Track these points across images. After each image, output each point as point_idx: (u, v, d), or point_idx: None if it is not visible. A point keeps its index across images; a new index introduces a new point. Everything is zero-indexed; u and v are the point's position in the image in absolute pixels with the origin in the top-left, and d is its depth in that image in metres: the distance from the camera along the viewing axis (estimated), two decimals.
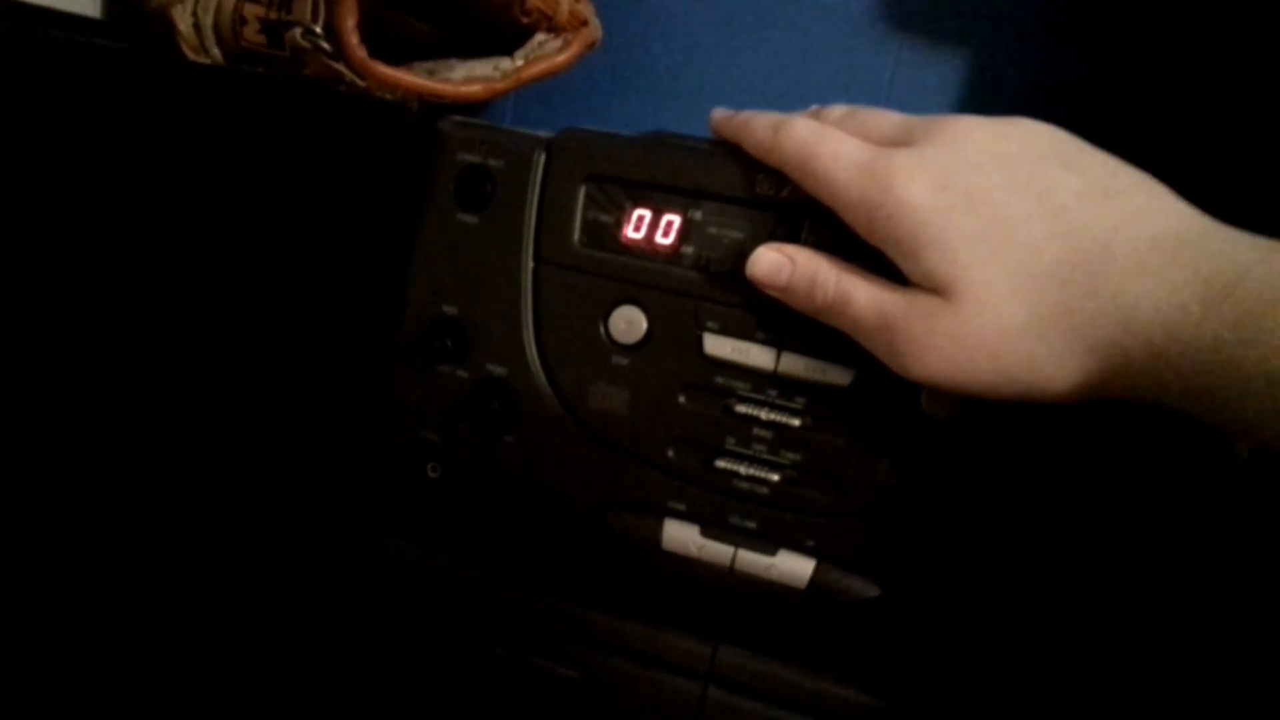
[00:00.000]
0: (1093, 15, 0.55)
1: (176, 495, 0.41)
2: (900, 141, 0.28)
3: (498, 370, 0.35)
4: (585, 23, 0.42)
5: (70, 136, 0.39)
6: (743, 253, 0.31)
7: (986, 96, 0.57)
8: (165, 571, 0.42)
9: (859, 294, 0.28)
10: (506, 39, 0.42)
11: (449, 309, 0.35)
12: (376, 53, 0.39)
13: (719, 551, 0.33)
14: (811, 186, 0.29)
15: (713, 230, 0.32)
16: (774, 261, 0.30)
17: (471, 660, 0.37)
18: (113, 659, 0.43)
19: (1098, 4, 0.55)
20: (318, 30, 0.37)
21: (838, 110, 0.31)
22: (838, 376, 0.31)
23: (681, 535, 0.33)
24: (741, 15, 0.58)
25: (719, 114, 0.33)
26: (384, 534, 0.38)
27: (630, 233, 0.33)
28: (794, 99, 0.59)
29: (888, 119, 0.29)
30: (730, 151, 0.32)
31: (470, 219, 0.35)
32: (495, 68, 0.41)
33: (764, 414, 0.32)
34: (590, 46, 0.44)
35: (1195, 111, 0.45)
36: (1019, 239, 0.25)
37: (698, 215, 0.32)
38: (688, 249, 0.32)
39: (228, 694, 0.42)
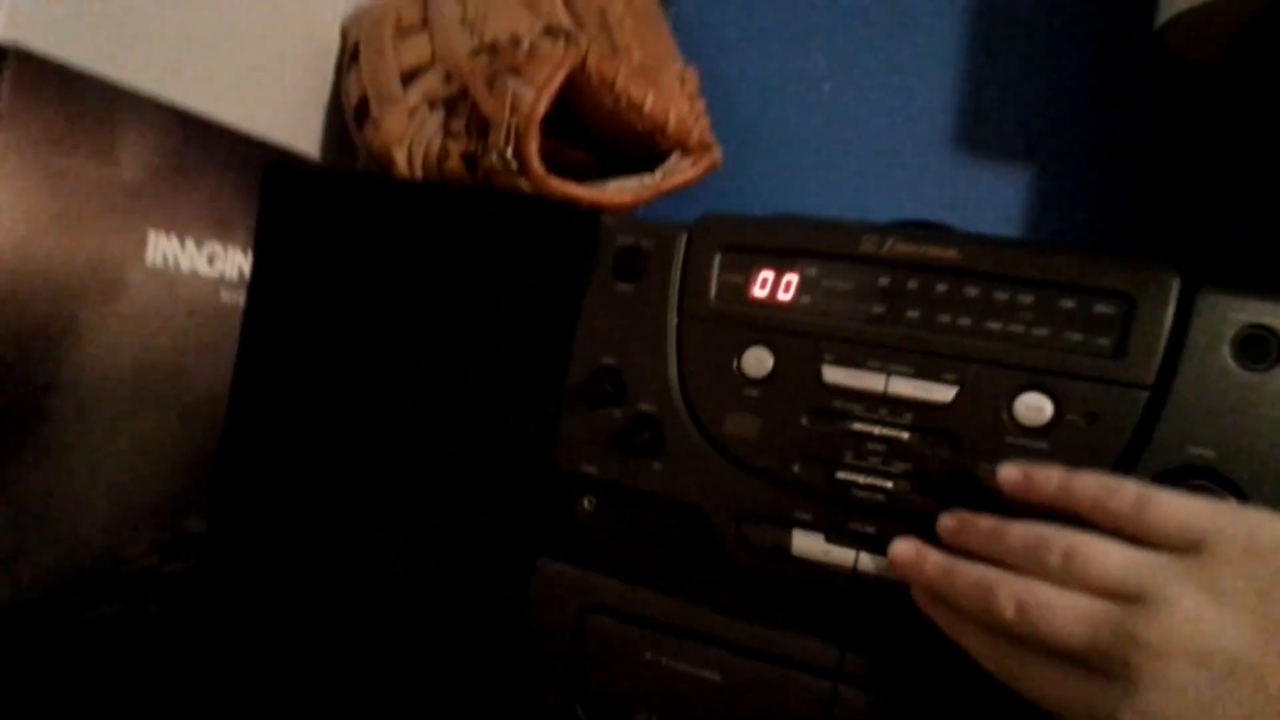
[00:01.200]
0: (1152, 139, 0.63)
1: (377, 510, 0.49)
2: (1126, 598, 0.28)
3: (647, 407, 0.42)
4: (710, 147, 0.53)
5: (317, 245, 0.51)
6: (851, 298, 0.39)
7: (1051, 210, 0.65)
8: (349, 570, 0.49)
9: None
10: (644, 160, 0.53)
11: (608, 360, 0.43)
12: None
13: (842, 555, 0.38)
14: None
15: (826, 284, 0.40)
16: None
17: (620, 667, 0.42)
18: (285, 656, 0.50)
19: (1156, 128, 0.63)
20: (509, 154, 0.48)
21: (1053, 537, 0.31)
22: (940, 394, 0.37)
23: (809, 543, 0.38)
24: (830, 139, 0.69)
25: (903, 554, 0.35)
26: (544, 554, 0.44)
27: (757, 290, 0.41)
28: (876, 209, 0.68)
29: (1109, 562, 0.29)
30: (837, 221, 0.40)
31: (626, 287, 0.43)
32: (640, 182, 0.51)
33: (877, 430, 0.38)
34: (714, 167, 0.54)
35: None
36: None
37: (812, 272, 0.40)
38: (805, 299, 0.40)
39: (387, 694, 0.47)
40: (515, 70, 0.49)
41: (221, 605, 0.53)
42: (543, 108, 0.47)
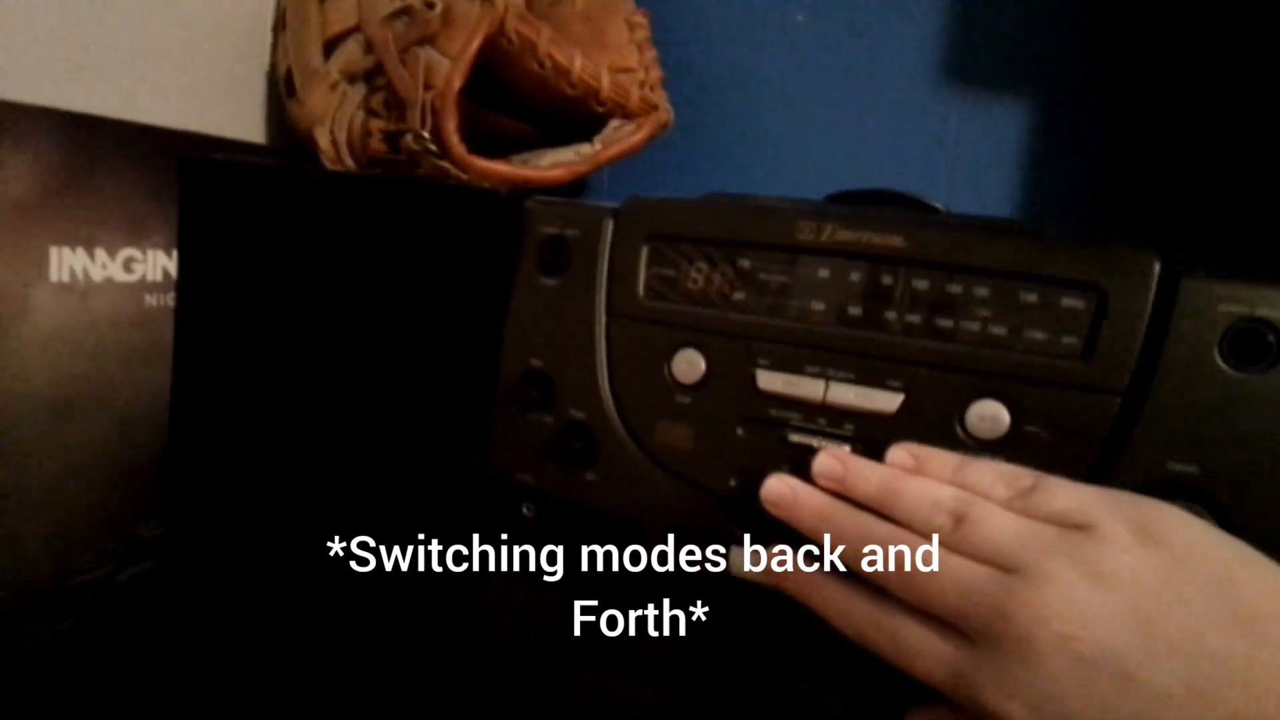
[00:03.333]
0: (1156, 68, 0.55)
1: (297, 534, 0.47)
2: (1007, 569, 0.26)
3: (578, 414, 0.39)
4: (655, 107, 0.48)
5: (241, 241, 0.47)
6: (790, 294, 0.34)
7: (1048, 147, 0.58)
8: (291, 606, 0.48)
9: None
10: (588, 127, 0.48)
11: (536, 362, 0.40)
12: (481, 150, 0.46)
13: None
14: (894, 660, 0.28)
15: (761, 276, 0.35)
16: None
17: (560, 685, 0.40)
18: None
19: (1159, 58, 0.55)
20: (425, 135, 0.43)
21: (944, 497, 0.29)
22: (884, 403, 0.32)
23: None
24: (805, 76, 0.62)
25: (776, 494, 0.32)
26: (485, 567, 0.42)
27: (689, 284, 0.37)
28: (858, 152, 0.62)
29: (997, 530, 0.27)
30: (773, 205, 0.35)
31: (551, 282, 0.40)
32: (576, 153, 0.46)
33: (816, 442, 0.34)
34: (662, 127, 0.49)
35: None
36: None
37: (747, 264, 0.35)
38: (739, 295, 0.36)
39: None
40: (429, 38, 0.44)
41: (183, 606, 0.52)
42: (458, 82, 0.43)
